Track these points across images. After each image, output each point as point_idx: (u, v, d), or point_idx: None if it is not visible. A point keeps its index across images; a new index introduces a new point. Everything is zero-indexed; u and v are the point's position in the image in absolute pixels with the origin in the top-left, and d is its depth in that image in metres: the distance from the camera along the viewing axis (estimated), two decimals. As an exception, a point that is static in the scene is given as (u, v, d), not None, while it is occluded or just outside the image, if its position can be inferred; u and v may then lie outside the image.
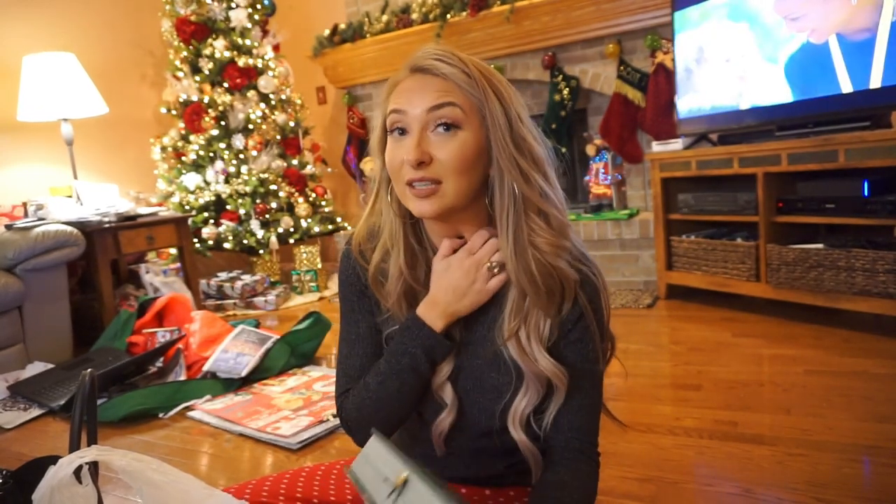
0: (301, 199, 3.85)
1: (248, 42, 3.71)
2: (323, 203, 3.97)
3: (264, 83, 3.70)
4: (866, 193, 2.12)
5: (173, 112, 3.82)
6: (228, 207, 3.72)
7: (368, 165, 4.13)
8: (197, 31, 3.67)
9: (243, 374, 2.21)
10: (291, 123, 3.87)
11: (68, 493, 0.71)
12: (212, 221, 3.74)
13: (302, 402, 2.01)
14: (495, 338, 0.79)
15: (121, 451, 0.71)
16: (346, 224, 4.08)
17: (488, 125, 0.73)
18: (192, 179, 3.73)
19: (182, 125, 3.77)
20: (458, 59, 0.74)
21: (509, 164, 0.73)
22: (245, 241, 3.67)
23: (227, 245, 3.68)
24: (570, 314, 0.78)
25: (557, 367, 0.76)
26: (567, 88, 3.38)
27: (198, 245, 3.65)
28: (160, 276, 3.29)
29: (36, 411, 2.13)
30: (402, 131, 0.74)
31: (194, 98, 3.71)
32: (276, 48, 3.90)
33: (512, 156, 0.73)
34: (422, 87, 0.73)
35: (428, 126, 0.72)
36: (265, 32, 3.85)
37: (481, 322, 0.80)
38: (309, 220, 3.83)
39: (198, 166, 3.77)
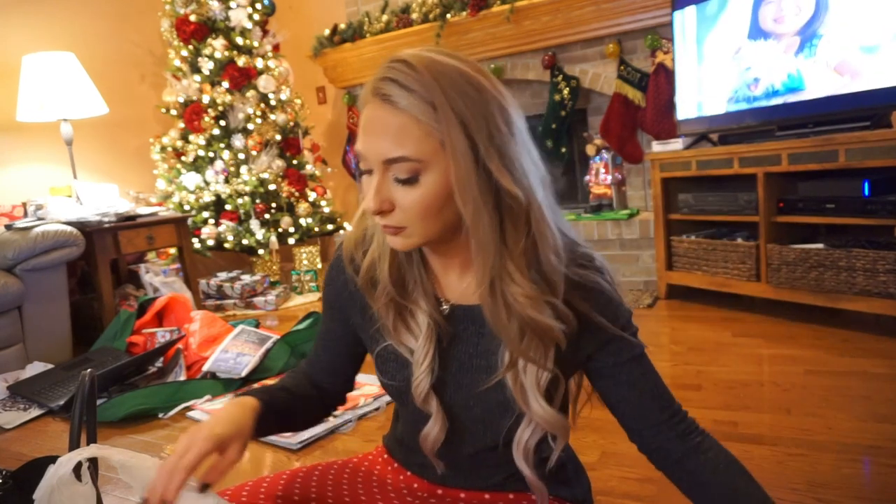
0: (301, 199, 3.85)
1: (248, 42, 3.72)
2: (323, 203, 3.97)
3: (264, 83, 3.70)
4: (866, 193, 2.12)
5: (173, 112, 3.82)
6: (228, 207, 3.72)
7: (368, 165, 4.12)
8: (197, 31, 3.67)
9: (243, 374, 2.21)
10: (291, 123, 3.87)
11: (68, 491, 0.71)
12: (212, 221, 3.74)
13: (302, 402, 2.01)
14: (498, 361, 0.75)
15: (119, 448, 0.71)
16: (346, 224, 4.08)
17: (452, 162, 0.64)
18: (192, 179, 3.73)
19: (182, 125, 3.77)
20: (419, 80, 0.63)
21: (474, 209, 0.65)
22: (245, 241, 3.67)
23: (227, 245, 3.68)
24: (587, 335, 0.74)
25: (553, 415, 0.71)
26: (567, 88, 3.38)
27: (198, 245, 3.65)
28: (160, 276, 3.29)
29: (36, 411, 2.13)
30: (369, 171, 0.69)
31: (194, 98, 3.71)
32: (276, 48, 3.90)
33: (478, 200, 0.65)
34: (376, 129, 0.65)
35: (388, 172, 0.66)
36: (265, 32, 3.85)
37: (491, 337, 0.76)
38: (309, 220, 3.83)
39: (198, 166, 3.77)
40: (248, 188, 3.64)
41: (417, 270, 0.77)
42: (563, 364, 0.73)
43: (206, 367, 2.27)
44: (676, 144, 2.83)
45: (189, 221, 3.45)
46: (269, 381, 2.24)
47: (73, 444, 0.88)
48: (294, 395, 0.87)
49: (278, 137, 3.80)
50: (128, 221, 2.99)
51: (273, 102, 3.79)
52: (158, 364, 2.37)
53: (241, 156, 3.71)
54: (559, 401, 0.75)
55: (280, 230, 3.73)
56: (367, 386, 2.04)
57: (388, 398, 1.96)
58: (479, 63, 0.70)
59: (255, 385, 2.21)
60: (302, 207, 3.81)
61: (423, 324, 0.76)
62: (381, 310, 0.77)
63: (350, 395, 0.93)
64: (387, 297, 0.76)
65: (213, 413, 1.96)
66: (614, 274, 0.76)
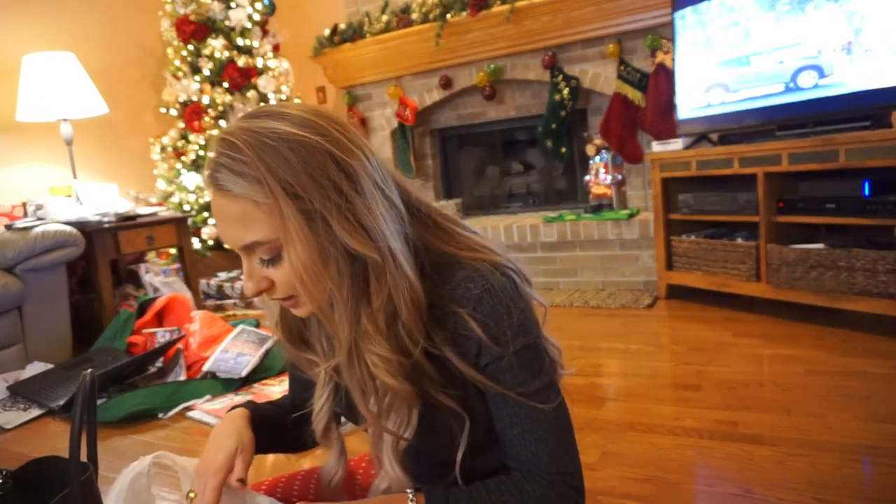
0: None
1: (248, 42, 3.72)
2: (323, 203, 3.96)
3: (264, 83, 3.70)
4: (867, 193, 2.12)
5: (173, 112, 3.82)
6: (228, 207, 3.71)
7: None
8: (197, 31, 3.67)
9: (243, 374, 2.21)
10: (291, 123, 3.86)
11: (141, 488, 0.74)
12: (212, 221, 3.74)
13: (302, 402, 2.01)
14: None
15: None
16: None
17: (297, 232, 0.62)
18: (191, 179, 3.73)
19: (182, 125, 3.77)
20: (244, 161, 0.60)
21: (316, 280, 0.63)
22: (245, 241, 3.67)
23: (227, 245, 3.68)
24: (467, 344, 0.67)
25: (401, 483, 0.69)
26: (567, 88, 3.38)
27: (198, 245, 3.65)
28: (160, 276, 3.29)
29: (35, 411, 2.13)
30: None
31: (194, 98, 3.71)
32: (276, 48, 3.90)
33: (321, 269, 0.63)
34: (223, 218, 0.64)
35: (251, 255, 0.65)
36: (265, 32, 3.85)
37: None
38: (309, 220, 3.83)
39: (197, 166, 3.77)
40: (248, 188, 3.64)
41: (314, 324, 0.76)
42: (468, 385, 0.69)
43: (206, 367, 2.27)
44: (676, 144, 2.83)
45: (189, 221, 3.45)
46: (270, 381, 2.25)
47: (74, 445, 0.88)
48: (283, 407, 0.88)
49: (278, 137, 3.80)
50: (128, 221, 2.99)
51: (273, 103, 3.79)
52: (158, 364, 2.37)
53: (241, 156, 3.70)
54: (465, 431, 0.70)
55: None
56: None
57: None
58: (318, 109, 0.67)
59: (256, 385, 2.22)
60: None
61: (321, 372, 0.77)
62: (293, 360, 0.79)
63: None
64: (291, 352, 0.78)
65: (215, 412, 1.97)
66: (512, 294, 0.67)
